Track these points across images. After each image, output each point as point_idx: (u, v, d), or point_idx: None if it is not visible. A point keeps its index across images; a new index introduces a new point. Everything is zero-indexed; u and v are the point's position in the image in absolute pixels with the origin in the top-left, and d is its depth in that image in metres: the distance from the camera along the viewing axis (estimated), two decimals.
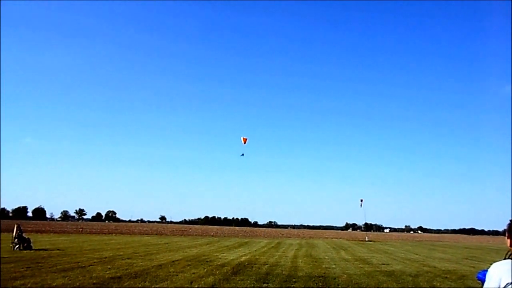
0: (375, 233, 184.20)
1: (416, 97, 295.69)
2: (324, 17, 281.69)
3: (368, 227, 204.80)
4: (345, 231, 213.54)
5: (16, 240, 22.93)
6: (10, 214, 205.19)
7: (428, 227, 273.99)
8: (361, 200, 66.13)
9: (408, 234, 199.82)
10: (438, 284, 13.93)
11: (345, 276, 15.18)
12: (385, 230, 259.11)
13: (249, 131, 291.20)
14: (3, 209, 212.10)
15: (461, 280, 15.20)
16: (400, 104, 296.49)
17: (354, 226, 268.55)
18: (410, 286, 13.08)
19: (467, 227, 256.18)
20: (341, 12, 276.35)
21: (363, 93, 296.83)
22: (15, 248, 22.38)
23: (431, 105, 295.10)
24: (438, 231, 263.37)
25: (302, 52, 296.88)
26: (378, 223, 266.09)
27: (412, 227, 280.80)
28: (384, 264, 20.87)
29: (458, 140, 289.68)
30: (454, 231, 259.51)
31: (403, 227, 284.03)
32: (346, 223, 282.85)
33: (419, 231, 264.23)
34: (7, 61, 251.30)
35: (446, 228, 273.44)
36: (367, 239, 65.57)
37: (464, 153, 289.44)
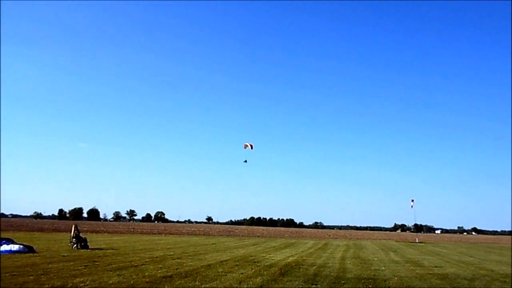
0: (426, 234, 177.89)
1: (471, 95, 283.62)
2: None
3: (418, 228, 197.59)
4: (393, 232, 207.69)
5: (74, 239, 24.18)
6: (67, 215, 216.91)
7: (483, 228, 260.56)
8: (412, 201, 64.22)
9: (461, 235, 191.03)
10: None
11: (396, 278, 14.78)
12: (436, 232, 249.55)
13: (297, 133, 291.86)
14: (61, 210, 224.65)
15: None
16: (451, 102, 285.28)
17: (403, 227, 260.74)
18: None
19: None
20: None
21: (415, 94, 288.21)
22: (73, 247, 23.60)
23: (483, 103, 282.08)
24: (494, 233, 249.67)
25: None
26: (429, 224, 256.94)
27: (465, 228, 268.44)
28: (436, 267, 20.11)
29: None
30: None
31: (456, 228, 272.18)
32: (395, 224, 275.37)
33: (473, 233, 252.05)
34: (61, 67, 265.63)
35: (503, 229, 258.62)
36: (417, 241, 63.46)
37: None
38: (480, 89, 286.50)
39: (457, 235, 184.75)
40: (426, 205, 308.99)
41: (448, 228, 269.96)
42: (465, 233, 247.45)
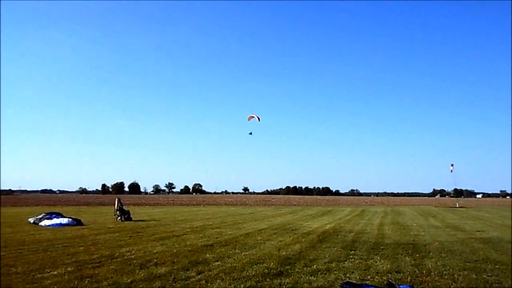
0: (466, 199, 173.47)
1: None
2: None
3: (458, 192, 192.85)
4: (432, 198, 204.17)
5: (118, 212, 25.28)
6: (110, 190, 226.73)
7: None
8: (452, 165, 62.67)
9: (504, 199, 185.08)
10: None
11: (436, 243, 14.60)
12: (477, 196, 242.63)
13: (332, 102, 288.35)
14: (104, 185, 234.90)
15: None
16: (488, 62, 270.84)
17: (442, 193, 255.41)
18: (510, 254, 12.23)
19: None
20: None
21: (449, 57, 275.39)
22: (118, 220, 24.69)
23: None
24: None
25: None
26: (469, 188, 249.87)
27: (508, 191, 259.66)
28: (479, 231, 19.69)
29: None
30: None
31: (498, 192, 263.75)
32: (433, 189, 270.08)
33: None
34: (97, 50, 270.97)
35: None
36: (457, 205, 62.18)
37: None
38: None
39: (500, 199, 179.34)
40: (466, 169, 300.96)
41: (490, 192, 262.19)
42: (508, 197, 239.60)
